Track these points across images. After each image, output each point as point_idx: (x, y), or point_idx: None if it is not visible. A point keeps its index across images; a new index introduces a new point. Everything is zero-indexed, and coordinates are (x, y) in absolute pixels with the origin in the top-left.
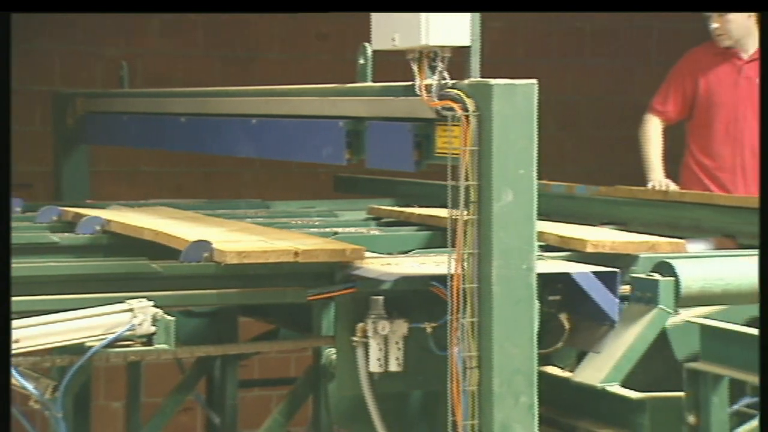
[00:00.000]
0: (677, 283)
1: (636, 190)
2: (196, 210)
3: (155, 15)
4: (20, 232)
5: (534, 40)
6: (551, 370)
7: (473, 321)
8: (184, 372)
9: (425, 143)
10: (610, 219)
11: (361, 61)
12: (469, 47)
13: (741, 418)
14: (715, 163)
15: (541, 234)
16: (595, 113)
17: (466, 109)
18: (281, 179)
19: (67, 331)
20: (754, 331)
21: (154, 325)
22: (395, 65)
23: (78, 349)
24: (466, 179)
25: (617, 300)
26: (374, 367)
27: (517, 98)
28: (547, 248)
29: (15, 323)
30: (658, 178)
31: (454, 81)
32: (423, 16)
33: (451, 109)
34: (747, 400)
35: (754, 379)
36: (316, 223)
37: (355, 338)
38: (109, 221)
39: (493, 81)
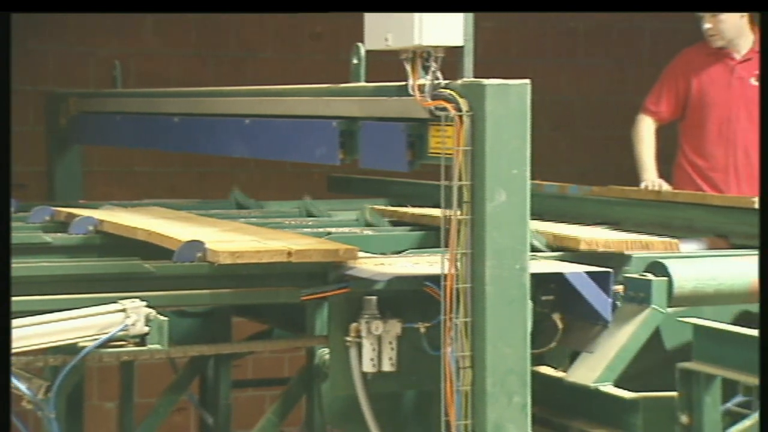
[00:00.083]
0: (670, 283)
1: (629, 190)
2: (189, 210)
3: (148, 15)
4: (13, 232)
5: (527, 40)
6: (544, 370)
7: (466, 321)
8: (178, 372)
9: (418, 143)
10: (602, 219)
11: (355, 61)
12: (462, 47)
13: (733, 418)
14: (708, 163)
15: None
16: (589, 113)
17: (459, 109)
18: (275, 179)
19: (60, 331)
20: (747, 331)
21: (147, 325)
22: (388, 65)
23: (71, 349)
24: (460, 179)
25: (610, 300)
26: (367, 367)
27: (510, 98)
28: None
29: None
30: (651, 178)
31: (447, 81)
32: (416, 16)
33: (444, 109)
34: (739, 399)
35: (746, 379)
36: (310, 223)
37: (348, 338)
38: (102, 221)
39: (486, 81)
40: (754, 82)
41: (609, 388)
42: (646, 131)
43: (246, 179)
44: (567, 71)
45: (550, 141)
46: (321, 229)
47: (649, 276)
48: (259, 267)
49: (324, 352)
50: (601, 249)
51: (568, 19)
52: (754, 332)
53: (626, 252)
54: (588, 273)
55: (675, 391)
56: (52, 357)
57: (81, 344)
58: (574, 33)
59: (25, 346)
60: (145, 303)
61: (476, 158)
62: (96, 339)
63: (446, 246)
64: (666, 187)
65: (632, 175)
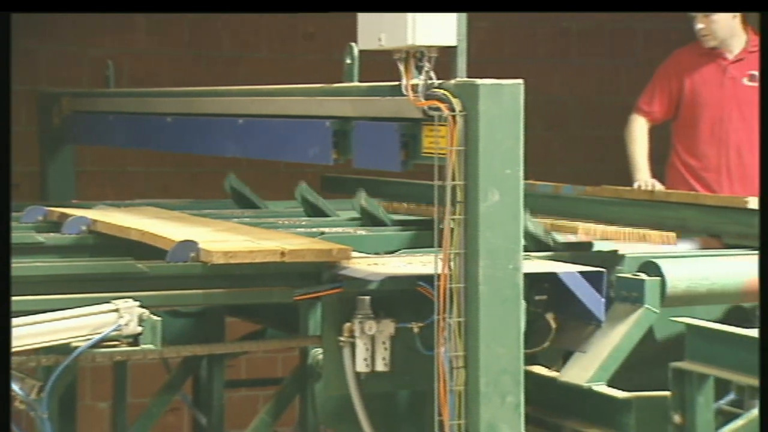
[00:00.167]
0: (663, 283)
1: (622, 190)
2: (183, 210)
3: (141, 14)
4: None
5: (520, 40)
6: (538, 369)
7: (460, 321)
8: (171, 372)
9: (412, 143)
10: (596, 219)
11: (348, 61)
12: (455, 47)
13: (726, 417)
14: (701, 163)
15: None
16: (582, 113)
17: (452, 109)
18: (268, 179)
19: (53, 331)
20: (740, 331)
21: (140, 325)
22: (382, 65)
23: (64, 349)
24: (453, 179)
25: (603, 300)
26: (361, 367)
27: (504, 98)
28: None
29: None
30: (644, 178)
31: (440, 81)
32: (409, 16)
33: (437, 109)
34: (731, 397)
35: (739, 378)
36: (303, 223)
37: (341, 338)
38: (95, 221)
39: (479, 81)
40: (747, 82)
41: (602, 388)
42: (639, 131)
43: (239, 179)
44: (560, 71)
45: (543, 141)
46: (314, 229)
47: (642, 276)
48: (253, 267)
49: (317, 352)
50: (598, 237)
51: (561, 20)
52: (747, 332)
53: (622, 246)
54: (581, 273)
55: (667, 389)
56: (45, 357)
57: (74, 344)
58: (567, 33)
59: (18, 346)
60: (138, 303)
61: (469, 158)
62: (89, 339)
63: (440, 246)
64: (659, 187)
65: (625, 175)
